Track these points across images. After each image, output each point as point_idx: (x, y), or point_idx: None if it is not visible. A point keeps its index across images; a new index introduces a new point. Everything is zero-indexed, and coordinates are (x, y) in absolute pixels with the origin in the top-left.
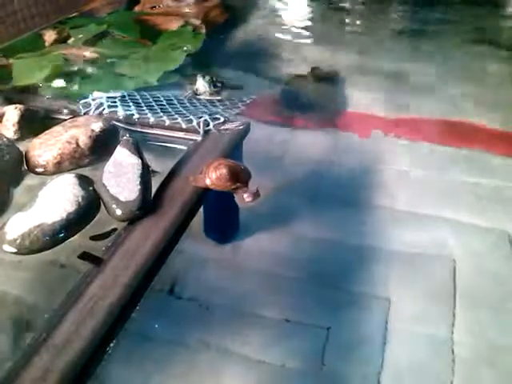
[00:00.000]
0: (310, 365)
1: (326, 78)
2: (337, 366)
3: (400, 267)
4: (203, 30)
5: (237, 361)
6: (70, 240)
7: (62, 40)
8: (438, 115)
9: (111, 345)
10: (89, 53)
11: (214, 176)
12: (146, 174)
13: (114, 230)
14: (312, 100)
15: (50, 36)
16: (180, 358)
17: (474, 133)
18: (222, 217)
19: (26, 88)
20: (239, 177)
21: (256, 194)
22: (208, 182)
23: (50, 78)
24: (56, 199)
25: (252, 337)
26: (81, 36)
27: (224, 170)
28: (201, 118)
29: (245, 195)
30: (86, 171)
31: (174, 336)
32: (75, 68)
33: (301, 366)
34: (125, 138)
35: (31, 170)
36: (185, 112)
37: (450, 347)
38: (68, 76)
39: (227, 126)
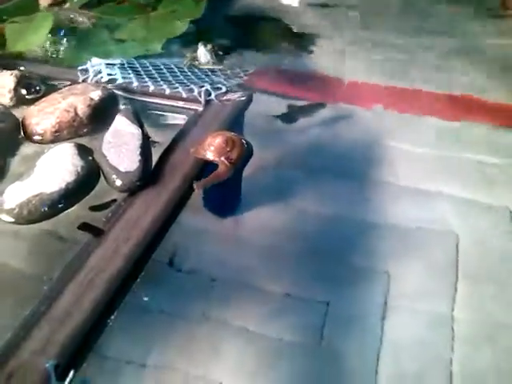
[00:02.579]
0: (309, 339)
1: None
2: (336, 340)
3: (401, 242)
4: None
5: (236, 333)
6: (68, 210)
7: (57, 3)
8: (442, 88)
9: (112, 317)
10: (86, 17)
11: (209, 146)
12: (147, 144)
13: (114, 200)
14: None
15: None
16: (179, 330)
17: (480, 108)
18: (222, 189)
19: (22, 53)
20: (234, 150)
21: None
22: (207, 154)
23: (45, 43)
24: (54, 169)
25: (251, 310)
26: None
27: (219, 139)
28: (202, 87)
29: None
30: (84, 140)
31: (173, 308)
32: (72, 33)
33: (300, 340)
34: (124, 106)
35: (28, 137)
36: (185, 81)
37: (450, 324)
38: (65, 41)
39: (229, 96)
